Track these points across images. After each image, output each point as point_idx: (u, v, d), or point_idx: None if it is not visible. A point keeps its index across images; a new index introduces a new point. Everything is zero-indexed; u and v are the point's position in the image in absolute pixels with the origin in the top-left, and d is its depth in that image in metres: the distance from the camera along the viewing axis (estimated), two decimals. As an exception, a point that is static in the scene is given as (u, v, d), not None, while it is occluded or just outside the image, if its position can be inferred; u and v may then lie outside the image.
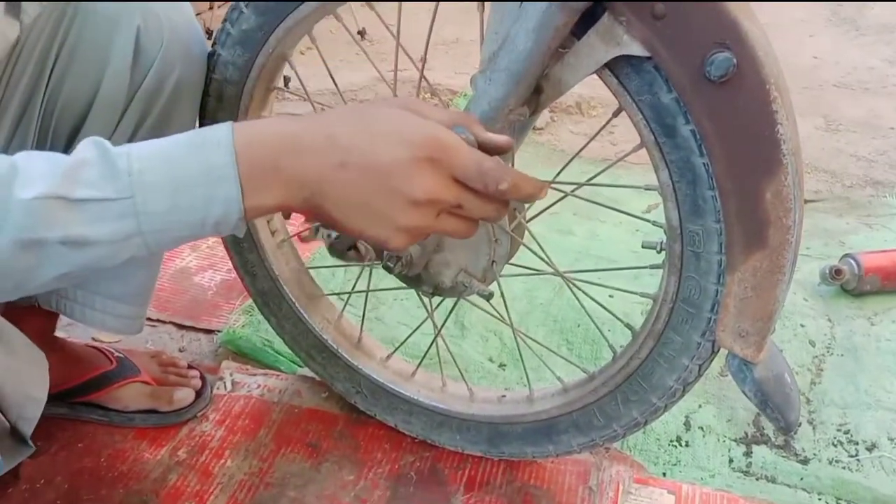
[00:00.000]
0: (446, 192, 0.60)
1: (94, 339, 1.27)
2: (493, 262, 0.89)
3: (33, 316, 1.00)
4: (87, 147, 0.58)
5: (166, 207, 0.57)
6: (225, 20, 0.90)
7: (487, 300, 0.89)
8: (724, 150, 0.68)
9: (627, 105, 0.73)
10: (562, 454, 1.02)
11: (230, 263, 1.13)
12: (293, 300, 1.10)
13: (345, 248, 0.90)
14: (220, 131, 0.58)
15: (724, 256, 0.73)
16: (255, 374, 1.23)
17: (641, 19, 0.66)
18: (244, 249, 1.09)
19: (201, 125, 0.96)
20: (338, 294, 1.26)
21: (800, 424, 1.16)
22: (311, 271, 1.14)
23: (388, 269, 0.90)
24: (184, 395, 1.14)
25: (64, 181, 0.55)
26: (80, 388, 1.12)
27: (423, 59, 0.95)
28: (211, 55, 0.93)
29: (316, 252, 1.51)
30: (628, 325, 0.91)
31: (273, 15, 0.87)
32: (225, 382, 1.21)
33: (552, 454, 1.02)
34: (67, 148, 0.88)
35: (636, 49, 0.68)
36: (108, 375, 1.13)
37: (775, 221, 0.68)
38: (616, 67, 0.71)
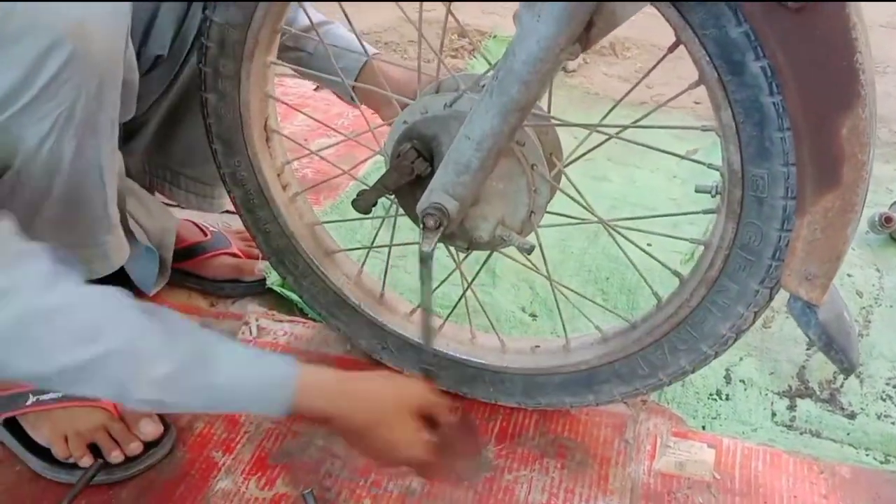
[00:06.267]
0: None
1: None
2: (532, 212, 0.85)
3: None
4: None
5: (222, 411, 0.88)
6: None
7: (528, 254, 0.84)
8: (800, 84, 0.62)
9: (688, 40, 0.68)
10: (603, 403, 0.99)
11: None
12: (310, 257, 1.06)
13: (368, 204, 0.86)
14: (286, 389, 0.75)
15: (790, 201, 0.69)
16: (281, 321, 1.20)
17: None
18: (255, 206, 1.04)
19: (200, 73, 0.96)
20: (357, 249, 1.22)
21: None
22: (330, 225, 1.10)
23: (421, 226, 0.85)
24: (265, 266, 1.24)
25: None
26: (177, 254, 1.22)
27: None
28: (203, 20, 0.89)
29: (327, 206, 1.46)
30: (676, 273, 0.86)
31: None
32: (251, 328, 1.17)
33: (592, 403, 0.99)
34: None
35: None
36: (203, 246, 1.26)
37: (850, 158, 0.63)
38: (677, -3, 0.65)
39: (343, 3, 0.97)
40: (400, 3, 0.91)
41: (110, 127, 0.80)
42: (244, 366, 0.75)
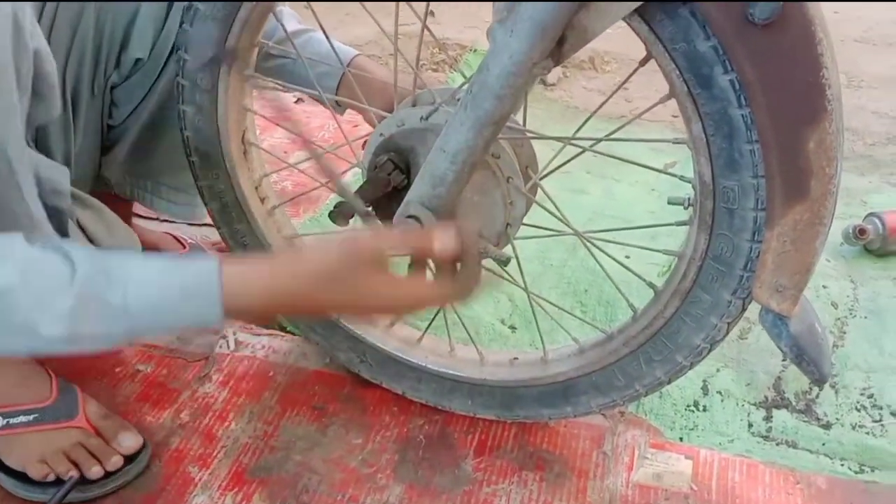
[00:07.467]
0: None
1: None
2: (508, 224, 0.86)
3: (112, 203, 1.05)
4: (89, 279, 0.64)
5: (153, 331, 0.69)
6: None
7: (504, 266, 0.85)
8: (768, 98, 0.64)
9: (658, 54, 0.69)
10: (580, 415, 0.99)
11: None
12: None
13: (346, 216, 0.86)
14: (209, 287, 0.67)
15: (760, 213, 0.70)
16: (259, 335, 1.19)
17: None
18: (233, 219, 1.05)
19: (177, 85, 0.96)
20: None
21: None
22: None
23: None
24: None
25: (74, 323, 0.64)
26: None
27: (426, 14, 0.88)
28: (187, 9, 0.89)
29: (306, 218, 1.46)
30: (651, 285, 0.87)
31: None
32: (228, 341, 1.17)
33: (570, 415, 0.99)
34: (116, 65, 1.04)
35: None
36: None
37: (818, 171, 0.64)
38: (647, 13, 0.67)
39: (324, 19, 0.97)
40: (377, 18, 0.91)
41: (6, 113, 0.73)
42: (160, 275, 0.67)
